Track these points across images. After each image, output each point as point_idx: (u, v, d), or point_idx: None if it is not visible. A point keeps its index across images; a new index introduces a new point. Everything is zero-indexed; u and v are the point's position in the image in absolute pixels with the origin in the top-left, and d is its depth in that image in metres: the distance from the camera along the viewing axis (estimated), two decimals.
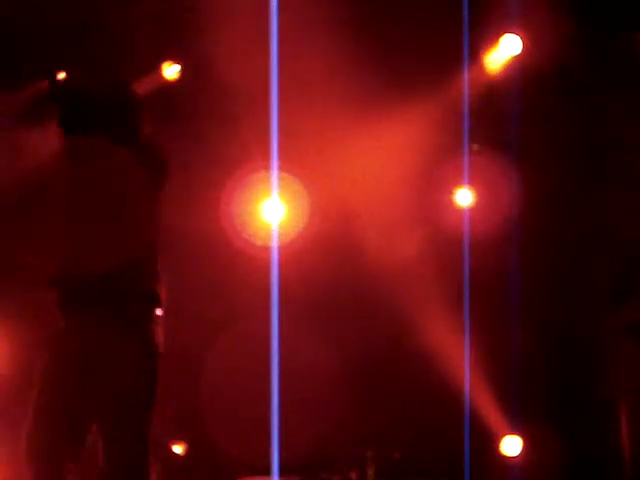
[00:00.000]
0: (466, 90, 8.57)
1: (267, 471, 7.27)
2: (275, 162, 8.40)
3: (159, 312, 4.44)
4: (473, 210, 9.06)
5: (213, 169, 8.49)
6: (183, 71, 8.49)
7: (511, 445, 8.78)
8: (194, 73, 8.48)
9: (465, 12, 8.03)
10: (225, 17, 7.89)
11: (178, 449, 8.40)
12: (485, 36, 8.56)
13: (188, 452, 8.40)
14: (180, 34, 8.29)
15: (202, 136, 8.49)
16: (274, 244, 8.02)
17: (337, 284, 8.74)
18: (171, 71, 8.44)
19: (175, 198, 8.43)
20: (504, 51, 8.52)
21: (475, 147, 8.78)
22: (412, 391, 8.64)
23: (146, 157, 4.34)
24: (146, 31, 8.12)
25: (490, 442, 8.82)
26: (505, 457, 8.79)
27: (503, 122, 8.60)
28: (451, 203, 9.08)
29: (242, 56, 7.97)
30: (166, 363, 8.53)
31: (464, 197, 9.09)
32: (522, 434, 8.75)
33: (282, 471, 7.47)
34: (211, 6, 7.86)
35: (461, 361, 8.68)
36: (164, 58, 8.45)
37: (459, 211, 9.09)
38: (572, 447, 8.52)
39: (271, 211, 8.69)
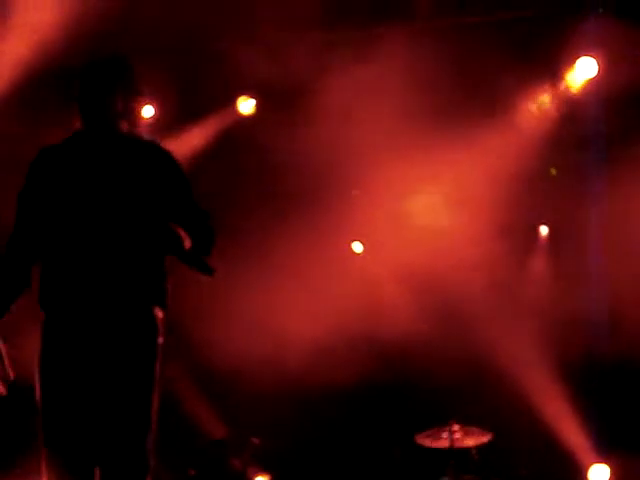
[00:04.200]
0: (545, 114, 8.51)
1: None
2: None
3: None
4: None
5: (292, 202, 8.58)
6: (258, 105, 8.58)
7: (599, 473, 8.62)
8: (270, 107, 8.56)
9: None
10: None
11: None
12: (562, 59, 8.45)
13: None
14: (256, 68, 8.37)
15: (279, 169, 8.58)
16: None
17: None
18: (246, 106, 8.55)
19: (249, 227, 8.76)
20: (581, 74, 8.41)
21: (553, 171, 8.69)
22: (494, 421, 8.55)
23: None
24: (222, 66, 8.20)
25: (578, 470, 8.70)
26: None
27: (581, 145, 8.50)
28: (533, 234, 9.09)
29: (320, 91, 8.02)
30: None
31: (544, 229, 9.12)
32: (610, 462, 8.61)
33: None
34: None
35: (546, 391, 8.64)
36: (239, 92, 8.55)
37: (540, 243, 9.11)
38: None
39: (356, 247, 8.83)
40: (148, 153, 4.31)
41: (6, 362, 4.25)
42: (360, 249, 9.51)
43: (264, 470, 8.50)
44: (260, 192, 8.99)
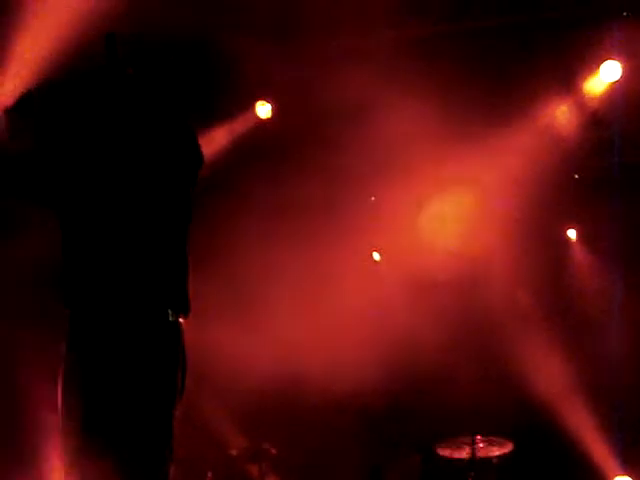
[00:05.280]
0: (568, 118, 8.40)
1: None
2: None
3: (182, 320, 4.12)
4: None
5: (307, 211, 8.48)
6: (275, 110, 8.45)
7: None
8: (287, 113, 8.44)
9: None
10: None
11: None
12: (585, 63, 8.33)
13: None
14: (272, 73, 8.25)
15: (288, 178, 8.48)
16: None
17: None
18: (263, 110, 8.44)
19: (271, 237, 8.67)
20: (605, 77, 8.28)
21: (576, 177, 8.59)
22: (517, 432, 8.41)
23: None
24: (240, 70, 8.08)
25: None
26: None
27: (604, 150, 8.39)
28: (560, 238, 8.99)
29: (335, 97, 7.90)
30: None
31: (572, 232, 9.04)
32: (633, 474, 8.49)
33: None
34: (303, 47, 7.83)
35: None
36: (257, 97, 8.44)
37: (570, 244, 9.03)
38: None
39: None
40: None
41: None
42: (378, 258, 9.41)
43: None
44: (277, 200, 8.90)
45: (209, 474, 8.03)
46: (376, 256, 9.43)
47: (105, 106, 4.17)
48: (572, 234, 9.24)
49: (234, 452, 8.22)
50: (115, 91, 4.14)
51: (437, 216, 8.72)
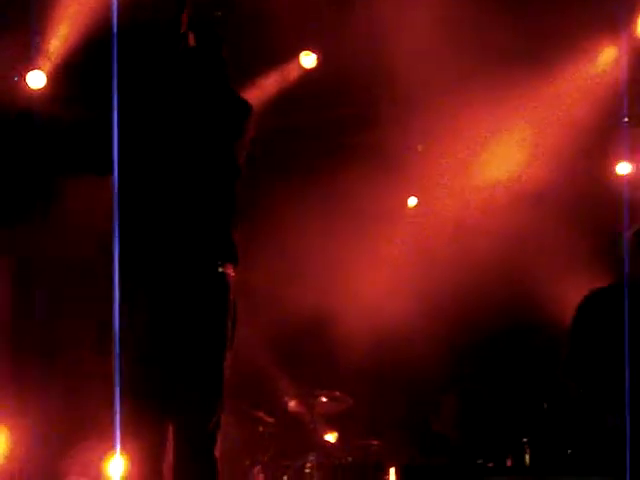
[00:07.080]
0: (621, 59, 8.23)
1: None
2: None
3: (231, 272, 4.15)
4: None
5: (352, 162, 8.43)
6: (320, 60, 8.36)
7: None
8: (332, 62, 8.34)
9: None
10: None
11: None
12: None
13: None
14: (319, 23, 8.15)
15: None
16: None
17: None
18: (308, 60, 8.35)
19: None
20: None
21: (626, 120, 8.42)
22: None
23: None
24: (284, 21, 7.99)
25: None
26: None
27: None
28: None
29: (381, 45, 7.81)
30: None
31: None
32: None
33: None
34: None
35: None
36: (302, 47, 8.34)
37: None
38: None
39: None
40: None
41: None
42: (414, 203, 9.28)
43: (333, 428, 8.44)
44: (321, 148, 8.85)
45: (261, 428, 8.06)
46: (413, 201, 9.32)
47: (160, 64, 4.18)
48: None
49: (289, 403, 8.24)
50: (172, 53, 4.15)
51: (492, 156, 8.62)
